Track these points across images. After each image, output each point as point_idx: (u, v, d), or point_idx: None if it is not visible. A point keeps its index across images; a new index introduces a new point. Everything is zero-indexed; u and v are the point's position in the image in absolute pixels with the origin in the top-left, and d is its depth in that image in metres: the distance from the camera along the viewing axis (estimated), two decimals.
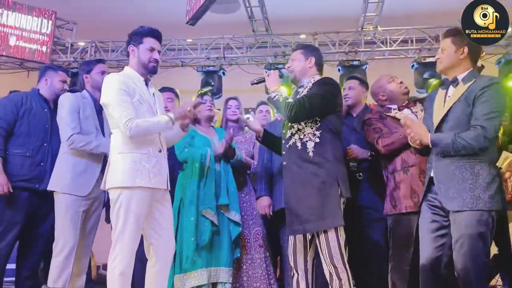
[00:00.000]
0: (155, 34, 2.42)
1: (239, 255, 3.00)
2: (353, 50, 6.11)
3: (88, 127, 2.72)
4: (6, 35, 5.99)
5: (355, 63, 5.91)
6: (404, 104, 2.79)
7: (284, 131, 2.47)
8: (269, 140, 2.70)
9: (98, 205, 2.78)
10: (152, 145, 2.32)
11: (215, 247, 2.89)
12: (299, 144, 2.36)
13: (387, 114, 2.76)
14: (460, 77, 2.16)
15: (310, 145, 2.33)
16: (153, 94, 2.47)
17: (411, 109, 2.76)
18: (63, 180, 2.65)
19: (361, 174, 2.97)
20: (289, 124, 2.42)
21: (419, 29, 5.94)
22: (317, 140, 2.34)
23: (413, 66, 5.87)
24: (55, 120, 2.85)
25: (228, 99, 3.48)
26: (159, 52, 2.43)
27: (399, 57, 6.11)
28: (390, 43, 6.04)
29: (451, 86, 2.21)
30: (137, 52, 2.39)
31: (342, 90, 3.27)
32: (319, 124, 2.37)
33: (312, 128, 2.36)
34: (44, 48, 6.20)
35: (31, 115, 2.90)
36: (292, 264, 2.41)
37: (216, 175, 2.99)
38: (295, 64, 2.54)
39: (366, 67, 5.91)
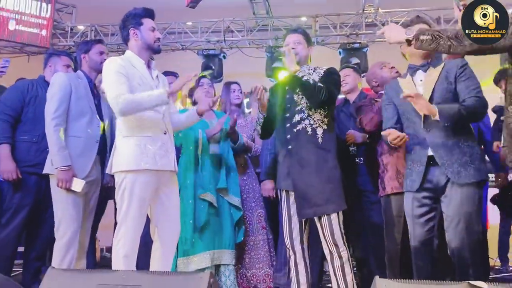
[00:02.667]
0: (152, 14, 2.44)
1: (242, 238, 3.04)
2: (354, 32, 6.08)
3: (82, 108, 2.65)
4: (6, 19, 5.96)
5: (356, 45, 5.90)
6: None
7: (287, 115, 2.46)
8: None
9: (96, 188, 2.75)
10: (156, 128, 2.34)
11: (217, 230, 2.93)
12: (309, 130, 2.39)
13: (376, 100, 2.88)
14: (430, 62, 2.29)
15: (320, 131, 2.39)
16: (157, 76, 2.47)
17: None
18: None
19: (361, 158, 3.01)
20: (297, 108, 2.43)
21: (420, 11, 5.89)
22: (325, 127, 2.41)
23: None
24: None
25: (230, 83, 3.48)
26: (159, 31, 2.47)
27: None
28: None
29: (419, 71, 2.31)
30: (140, 34, 2.39)
31: None
32: (326, 112, 2.44)
33: (321, 115, 2.42)
34: (44, 32, 6.18)
35: (36, 102, 2.93)
36: (289, 246, 2.46)
37: (215, 157, 3.02)
38: (301, 48, 2.54)
39: (367, 50, 5.90)
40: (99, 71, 2.73)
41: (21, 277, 3.05)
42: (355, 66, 3.68)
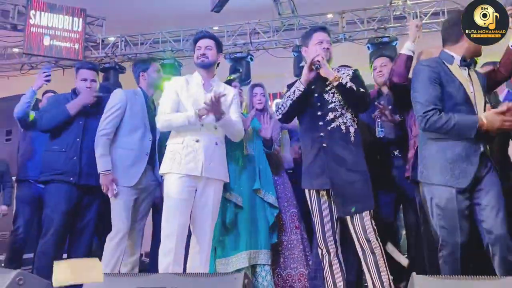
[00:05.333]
0: (200, 36, 2.71)
1: (276, 240, 3.05)
2: (382, 26, 5.97)
3: (136, 123, 2.88)
4: (41, 35, 6.21)
5: (385, 39, 5.78)
6: None
7: (319, 113, 2.45)
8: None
9: (148, 195, 2.96)
10: (189, 136, 2.54)
11: (253, 230, 2.95)
12: (343, 128, 2.41)
13: None
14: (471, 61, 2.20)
15: (352, 130, 2.42)
16: (211, 89, 2.64)
17: None
18: (114, 172, 2.82)
19: (398, 151, 2.96)
20: (330, 106, 2.43)
21: (451, 0, 5.73)
22: (356, 126, 2.45)
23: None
24: (89, 117, 3.05)
25: (253, 86, 3.46)
26: (208, 48, 2.66)
27: (431, 30, 5.89)
28: (420, 16, 5.85)
29: (463, 66, 2.19)
30: (194, 55, 2.71)
31: (371, 69, 3.25)
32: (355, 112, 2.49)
33: (351, 114, 2.46)
34: (76, 46, 6.39)
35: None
36: (322, 246, 2.44)
37: (249, 159, 3.05)
38: (331, 48, 2.55)
39: (396, 43, 5.78)
40: (156, 87, 3.02)
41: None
42: (391, 55, 3.57)
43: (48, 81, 3.30)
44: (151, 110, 2.99)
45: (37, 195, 3.53)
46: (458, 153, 2.08)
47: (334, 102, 2.44)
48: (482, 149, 2.08)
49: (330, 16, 6.19)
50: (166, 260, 2.40)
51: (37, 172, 3.41)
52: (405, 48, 2.60)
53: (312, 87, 2.49)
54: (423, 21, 5.79)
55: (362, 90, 2.38)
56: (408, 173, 2.65)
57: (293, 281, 3.02)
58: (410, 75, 2.56)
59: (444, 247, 2.09)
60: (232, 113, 2.68)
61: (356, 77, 2.50)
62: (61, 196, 3.00)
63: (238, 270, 2.82)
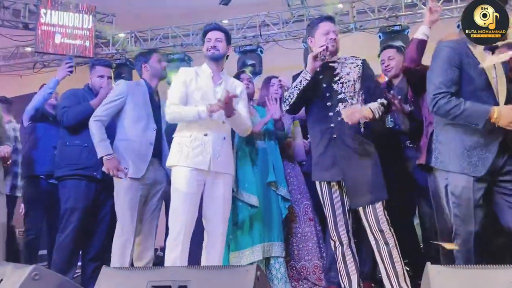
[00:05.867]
0: (210, 28, 2.68)
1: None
2: (394, 15, 5.88)
3: (139, 113, 2.83)
4: (52, 33, 6.26)
5: (396, 28, 5.70)
6: None
7: (328, 103, 2.43)
8: None
9: (158, 189, 2.89)
10: (197, 130, 2.52)
11: (266, 223, 2.94)
12: None
13: None
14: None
15: (361, 120, 2.36)
16: (221, 83, 2.63)
17: None
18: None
19: (410, 141, 2.92)
20: (339, 96, 2.41)
21: None
22: None
23: (459, 26, 5.56)
24: None
25: (270, 77, 3.45)
26: (218, 40, 2.62)
27: (443, 17, 5.78)
28: None
29: (487, 51, 2.08)
30: (204, 47, 2.69)
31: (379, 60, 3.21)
32: (365, 103, 2.43)
33: (361, 106, 2.40)
34: (87, 43, 6.43)
35: None
36: (335, 238, 2.42)
37: (261, 152, 3.03)
38: (338, 38, 2.51)
39: (408, 32, 5.69)
40: (160, 77, 3.00)
41: (80, 279, 3.21)
42: (398, 45, 3.51)
43: (71, 71, 3.38)
44: (154, 101, 2.95)
45: (46, 191, 3.51)
46: (477, 140, 2.01)
47: (344, 92, 2.41)
48: (502, 137, 2.00)
49: (340, 6, 6.11)
50: (173, 255, 2.39)
51: (45, 168, 3.46)
52: (419, 31, 2.52)
53: (320, 77, 2.46)
54: None
55: (383, 102, 2.35)
56: (420, 160, 2.61)
57: (308, 273, 3.02)
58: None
59: (457, 236, 2.05)
60: (240, 107, 2.65)
61: (366, 69, 2.47)
62: (80, 192, 3.02)
63: (252, 263, 2.81)
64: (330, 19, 2.54)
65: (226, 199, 2.58)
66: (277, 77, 3.43)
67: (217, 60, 2.65)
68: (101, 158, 2.73)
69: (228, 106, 2.41)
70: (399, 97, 2.85)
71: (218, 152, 2.52)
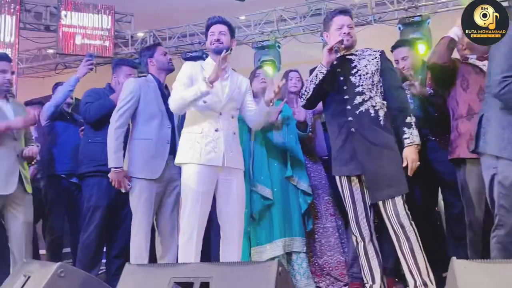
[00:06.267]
0: (214, 21, 2.60)
1: (311, 226, 3.03)
2: (413, 5, 5.78)
3: (152, 111, 2.77)
4: (73, 35, 6.37)
5: (417, 19, 5.59)
6: (485, 56, 2.59)
7: (346, 97, 2.39)
8: None
9: (175, 186, 2.83)
10: (208, 125, 2.45)
11: (286, 218, 2.93)
12: (372, 111, 2.35)
13: (463, 61, 2.61)
14: None
15: (381, 114, 2.35)
16: (228, 77, 2.57)
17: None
18: (135, 164, 2.74)
19: (431, 134, 2.87)
20: (357, 89, 2.38)
21: None
22: (385, 109, 2.39)
23: None
24: None
25: (289, 71, 3.44)
26: (222, 33, 2.56)
27: (465, 7, 5.67)
28: None
29: None
30: (207, 42, 2.62)
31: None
32: (384, 95, 2.42)
33: (380, 98, 2.39)
34: (107, 43, 6.53)
35: None
36: (356, 233, 2.40)
37: (279, 146, 3.02)
38: (353, 31, 2.47)
39: (429, 22, 5.58)
40: (167, 70, 2.94)
41: (105, 276, 3.26)
42: (408, 39, 3.44)
43: (91, 68, 3.39)
44: (165, 96, 2.86)
45: (67, 190, 3.52)
46: None
47: (362, 85, 2.38)
48: None
49: None
50: (187, 253, 2.35)
51: (66, 167, 3.47)
52: (452, 31, 2.48)
53: (338, 70, 2.43)
54: None
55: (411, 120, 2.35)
56: (452, 155, 2.55)
57: (330, 268, 3.00)
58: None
59: (500, 227, 1.97)
60: (249, 102, 2.62)
61: (384, 61, 2.44)
62: (103, 190, 3.04)
63: (273, 258, 2.82)
64: (344, 12, 2.49)
65: (240, 195, 2.53)
66: (296, 71, 3.42)
67: (221, 53, 2.54)
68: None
69: (220, 68, 2.37)
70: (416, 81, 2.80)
71: (230, 148, 2.47)
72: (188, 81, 2.47)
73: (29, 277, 2.04)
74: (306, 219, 3.05)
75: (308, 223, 3.03)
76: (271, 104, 2.52)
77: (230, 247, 2.47)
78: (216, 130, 2.45)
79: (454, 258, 1.45)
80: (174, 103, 2.45)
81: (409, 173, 2.28)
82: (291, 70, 3.43)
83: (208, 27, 2.61)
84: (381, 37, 5.41)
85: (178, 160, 2.49)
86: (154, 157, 2.72)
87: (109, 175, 2.71)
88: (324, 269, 3.01)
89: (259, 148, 2.98)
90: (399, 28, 5.73)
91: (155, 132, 2.75)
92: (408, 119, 2.34)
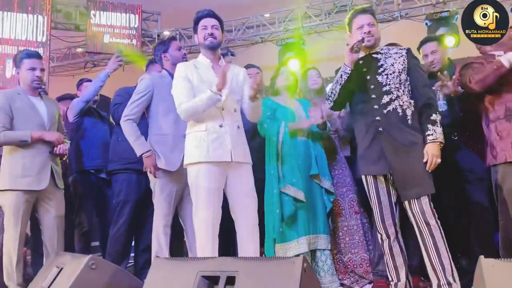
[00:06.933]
0: (204, 15, 2.55)
1: (334, 224, 3.03)
2: (441, 1, 5.66)
3: (167, 105, 2.76)
4: (101, 34, 6.52)
5: (444, 14, 5.50)
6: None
7: (373, 96, 2.39)
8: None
9: None
10: (212, 121, 2.43)
11: (311, 216, 2.94)
12: (400, 111, 2.34)
13: (491, 60, 2.45)
14: None
15: (409, 113, 2.34)
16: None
17: None
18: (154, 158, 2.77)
19: (456, 134, 2.82)
20: (385, 89, 2.36)
21: None
22: (413, 108, 2.36)
23: None
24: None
25: (307, 69, 3.45)
26: (215, 27, 2.52)
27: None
28: None
29: None
30: (198, 37, 2.56)
31: (421, 54, 3.10)
32: (411, 94, 2.40)
33: (407, 97, 2.38)
34: (134, 42, 6.65)
35: None
36: (382, 231, 2.39)
37: (303, 145, 3.02)
38: (375, 30, 2.45)
39: (457, 18, 5.47)
40: None
41: (133, 269, 3.34)
42: (436, 36, 3.39)
43: (120, 64, 3.50)
44: None
45: (96, 186, 3.59)
46: None
47: (389, 84, 2.37)
48: None
49: None
50: (204, 251, 2.32)
51: (95, 162, 3.53)
52: (505, 57, 2.28)
53: (364, 69, 2.42)
54: None
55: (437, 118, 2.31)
56: (499, 160, 2.45)
57: (355, 266, 3.00)
58: None
59: None
60: (245, 94, 2.57)
61: (411, 58, 2.41)
62: (132, 186, 3.14)
63: (298, 255, 2.82)
64: (363, 11, 2.47)
65: (251, 189, 2.50)
66: (315, 69, 3.43)
67: (215, 49, 2.54)
68: (141, 156, 2.73)
69: (225, 78, 2.33)
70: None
71: (236, 142, 2.45)
72: (188, 84, 2.45)
73: (61, 269, 2.12)
74: (330, 217, 3.05)
75: (331, 221, 3.03)
76: (256, 100, 2.48)
77: (247, 242, 2.44)
78: (221, 126, 2.43)
79: (482, 257, 1.44)
80: (185, 113, 2.42)
81: (428, 168, 2.24)
82: (310, 68, 3.44)
83: (198, 20, 2.54)
84: (408, 33, 5.33)
85: (186, 161, 2.45)
86: (171, 151, 2.75)
87: (144, 166, 2.72)
88: (349, 267, 3.01)
89: (288, 150, 2.95)
90: (426, 24, 5.64)
91: (172, 126, 2.78)
92: (434, 117, 2.31)
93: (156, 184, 2.79)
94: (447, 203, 2.87)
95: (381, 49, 2.47)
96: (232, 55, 6.33)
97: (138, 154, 2.73)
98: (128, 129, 2.77)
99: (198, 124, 2.45)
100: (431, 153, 2.25)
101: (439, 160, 2.26)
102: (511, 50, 2.41)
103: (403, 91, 2.37)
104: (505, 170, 2.42)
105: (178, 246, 3.23)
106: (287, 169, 2.90)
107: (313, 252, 2.94)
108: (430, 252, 2.21)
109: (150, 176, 2.81)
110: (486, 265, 1.42)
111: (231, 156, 2.41)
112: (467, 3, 5.51)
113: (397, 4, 5.83)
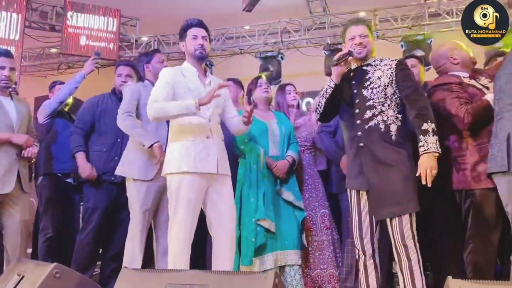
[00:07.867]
0: (195, 23, 2.53)
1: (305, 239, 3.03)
2: (417, 24, 5.84)
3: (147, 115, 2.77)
4: (77, 36, 6.40)
5: (419, 37, 5.67)
6: (472, 74, 2.58)
7: (356, 111, 2.36)
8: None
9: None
10: (199, 133, 2.41)
11: (278, 232, 2.90)
12: (382, 126, 2.29)
13: (469, 83, 2.46)
14: None
15: (393, 128, 2.28)
16: (210, 83, 2.54)
17: (477, 81, 2.53)
18: (133, 167, 2.78)
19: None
20: (368, 103, 2.33)
21: None
22: (399, 123, 2.30)
23: None
24: None
25: (284, 85, 3.46)
26: (205, 38, 2.51)
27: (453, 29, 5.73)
28: (456, 14, 5.70)
29: None
30: (186, 45, 2.53)
31: None
32: (400, 108, 2.33)
33: (394, 111, 2.31)
34: (111, 45, 6.56)
35: (106, 115, 3.15)
36: (359, 247, 2.38)
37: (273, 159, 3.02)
38: (367, 41, 2.42)
39: (431, 41, 5.64)
40: None
41: (98, 277, 3.25)
42: (419, 56, 3.48)
43: (97, 67, 3.44)
44: None
45: (64, 189, 3.48)
46: None
47: (373, 98, 2.32)
48: None
49: (362, 13, 6.11)
50: (177, 263, 2.29)
51: (63, 166, 3.42)
52: (488, 96, 2.34)
53: (353, 82, 2.41)
54: (459, 18, 5.63)
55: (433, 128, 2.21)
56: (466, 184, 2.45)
57: (323, 282, 2.99)
58: None
59: None
60: (230, 107, 2.60)
61: (399, 70, 2.34)
62: (102, 194, 3.08)
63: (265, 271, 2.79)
64: (356, 22, 2.49)
65: (231, 203, 2.50)
66: (292, 84, 3.45)
67: (204, 59, 2.56)
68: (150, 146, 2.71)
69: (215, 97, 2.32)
70: None
71: (221, 155, 2.46)
72: (170, 89, 2.41)
73: (23, 277, 2.03)
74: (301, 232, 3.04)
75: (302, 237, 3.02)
76: (248, 125, 2.51)
77: (224, 255, 2.42)
78: (208, 137, 2.42)
79: (449, 277, 1.46)
80: (155, 112, 2.37)
81: (423, 181, 2.15)
82: (287, 84, 3.46)
83: (187, 28, 2.52)
84: (384, 54, 5.45)
85: (168, 170, 2.40)
86: (148, 158, 2.76)
87: (155, 152, 2.70)
88: (316, 282, 3.00)
89: (264, 180, 2.94)
90: (401, 45, 5.79)
91: (152, 134, 2.78)
92: (425, 126, 2.20)
93: (132, 193, 2.77)
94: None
95: (374, 61, 2.43)
96: (211, 65, 6.34)
97: (148, 145, 2.71)
98: (130, 124, 2.79)
99: (184, 133, 2.42)
100: (424, 166, 2.16)
101: (435, 171, 2.16)
102: (473, 72, 2.49)
103: (389, 105, 2.31)
104: (483, 194, 2.38)
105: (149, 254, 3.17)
106: (266, 200, 2.88)
107: (282, 267, 2.93)
108: (405, 274, 2.20)
109: (127, 184, 2.80)
110: (453, 285, 1.44)
111: (217, 168, 2.40)
112: (442, 27, 5.72)
113: (375, 24, 5.97)
